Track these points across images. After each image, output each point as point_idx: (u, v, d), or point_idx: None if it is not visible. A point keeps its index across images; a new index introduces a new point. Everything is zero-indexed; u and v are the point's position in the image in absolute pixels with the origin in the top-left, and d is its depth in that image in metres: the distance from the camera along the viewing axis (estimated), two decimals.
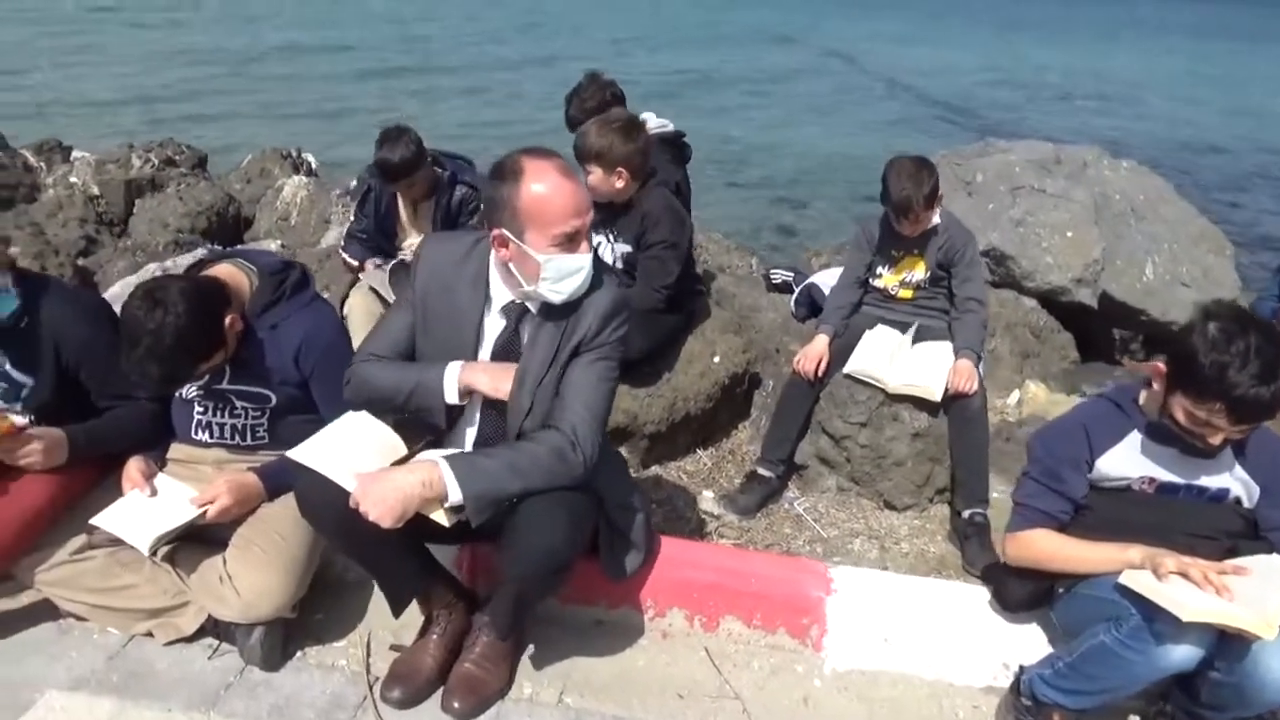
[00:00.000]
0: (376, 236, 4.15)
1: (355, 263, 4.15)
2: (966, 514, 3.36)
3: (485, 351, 2.26)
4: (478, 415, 2.30)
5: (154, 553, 2.34)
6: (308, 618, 2.56)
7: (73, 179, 7.15)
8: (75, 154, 7.96)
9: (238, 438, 2.55)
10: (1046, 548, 2.30)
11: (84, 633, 2.49)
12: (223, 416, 2.52)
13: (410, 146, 3.79)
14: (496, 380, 2.20)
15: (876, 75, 22.19)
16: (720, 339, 3.91)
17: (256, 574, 2.34)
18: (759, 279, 5.06)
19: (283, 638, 2.44)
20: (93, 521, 2.36)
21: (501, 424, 2.25)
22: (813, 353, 3.50)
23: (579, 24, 28.79)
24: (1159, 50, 30.31)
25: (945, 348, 3.47)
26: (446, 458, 2.03)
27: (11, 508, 2.32)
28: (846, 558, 3.35)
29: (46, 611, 2.50)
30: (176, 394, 2.52)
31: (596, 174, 3.27)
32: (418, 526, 2.05)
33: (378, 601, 2.68)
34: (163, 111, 14.34)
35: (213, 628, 2.46)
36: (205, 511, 2.37)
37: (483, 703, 2.33)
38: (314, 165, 7.63)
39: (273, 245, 5.84)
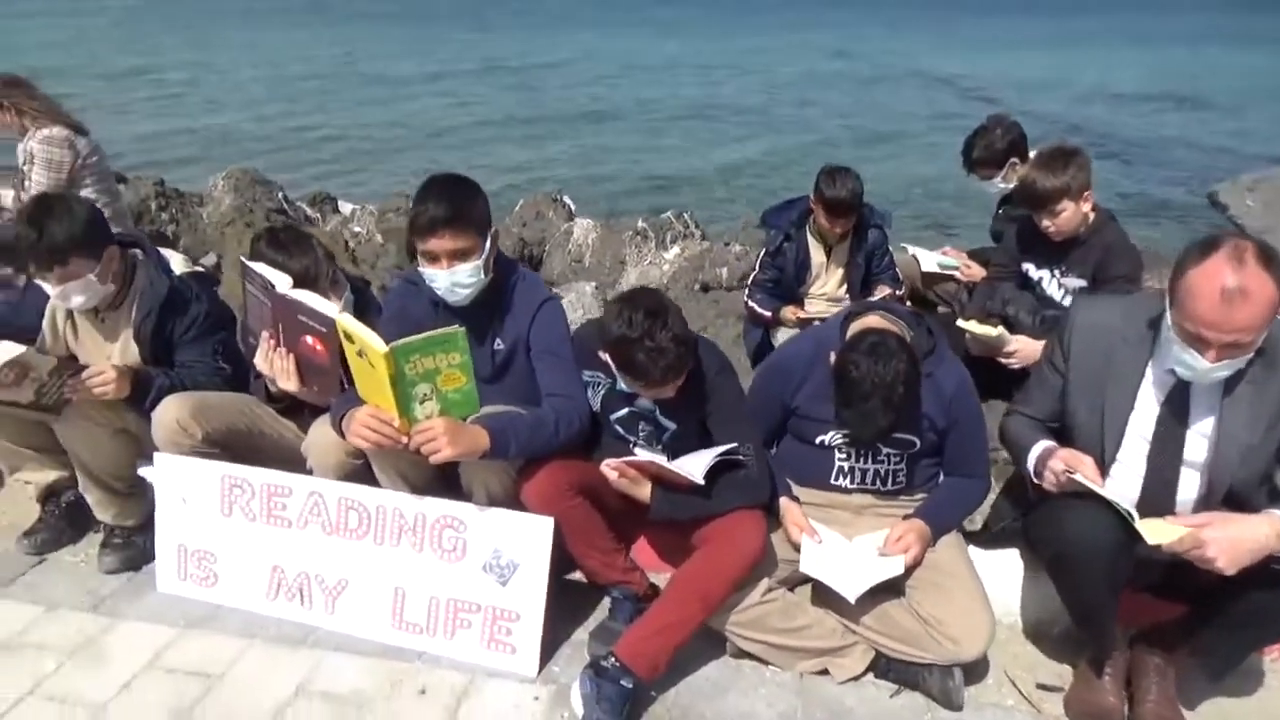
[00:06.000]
0: (788, 284, 4.27)
1: (767, 313, 4.26)
2: None
3: (1146, 414, 2.30)
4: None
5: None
6: None
7: (356, 228, 7.53)
8: (342, 205, 8.39)
9: (879, 483, 2.68)
10: None
11: (753, 671, 2.60)
12: (867, 463, 2.66)
13: (856, 182, 3.91)
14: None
15: None
16: None
17: (966, 617, 2.44)
18: None
19: None
20: (802, 569, 2.51)
21: None
22: None
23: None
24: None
25: None
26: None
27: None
28: None
29: (711, 649, 2.65)
30: (817, 441, 2.67)
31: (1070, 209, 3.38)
32: None
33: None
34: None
35: (884, 666, 2.57)
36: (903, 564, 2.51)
37: None
38: (573, 209, 7.89)
39: (588, 287, 6.05)
